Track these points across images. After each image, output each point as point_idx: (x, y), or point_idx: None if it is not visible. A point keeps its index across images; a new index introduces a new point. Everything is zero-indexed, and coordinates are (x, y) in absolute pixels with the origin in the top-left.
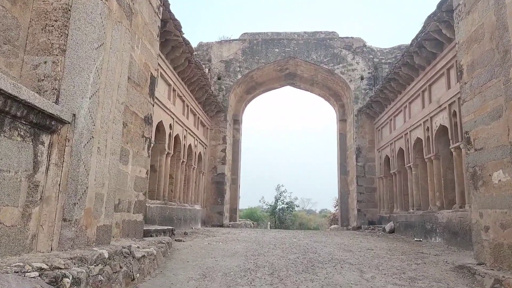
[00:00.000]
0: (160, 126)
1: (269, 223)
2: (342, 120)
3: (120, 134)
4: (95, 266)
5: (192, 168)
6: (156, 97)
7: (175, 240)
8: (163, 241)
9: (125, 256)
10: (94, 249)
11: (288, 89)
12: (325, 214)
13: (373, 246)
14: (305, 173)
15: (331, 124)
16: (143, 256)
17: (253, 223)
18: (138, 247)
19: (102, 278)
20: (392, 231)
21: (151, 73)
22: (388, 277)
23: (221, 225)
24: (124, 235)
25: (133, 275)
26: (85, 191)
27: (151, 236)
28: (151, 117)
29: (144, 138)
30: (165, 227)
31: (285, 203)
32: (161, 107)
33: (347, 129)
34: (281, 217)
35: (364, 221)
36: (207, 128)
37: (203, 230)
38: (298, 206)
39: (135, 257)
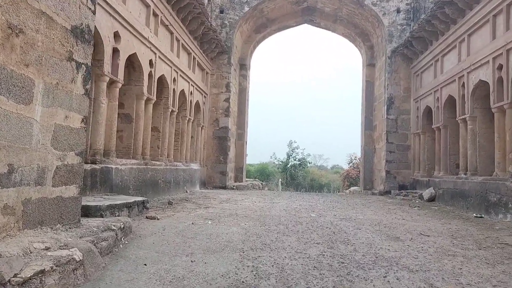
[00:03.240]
0: (134, 61)
1: (280, 179)
2: (370, 65)
3: None
4: None
5: (187, 119)
6: (123, 17)
7: (147, 217)
8: (114, 227)
9: None
10: None
11: (304, 29)
12: (337, 171)
13: (425, 227)
14: (317, 128)
15: (347, 72)
16: (40, 272)
17: (262, 183)
18: (48, 248)
19: None
20: (431, 199)
21: None
22: None
23: (224, 187)
24: (33, 223)
25: None
26: None
27: (102, 216)
28: (90, 31)
29: (73, 62)
30: (132, 199)
31: (297, 159)
32: (134, 35)
33: (376, 76)
34: (292, 173)
35: (393, 185)
36: (207, 73)
37: (199, 194)
38: (311, 163)
39: (9, 281)
